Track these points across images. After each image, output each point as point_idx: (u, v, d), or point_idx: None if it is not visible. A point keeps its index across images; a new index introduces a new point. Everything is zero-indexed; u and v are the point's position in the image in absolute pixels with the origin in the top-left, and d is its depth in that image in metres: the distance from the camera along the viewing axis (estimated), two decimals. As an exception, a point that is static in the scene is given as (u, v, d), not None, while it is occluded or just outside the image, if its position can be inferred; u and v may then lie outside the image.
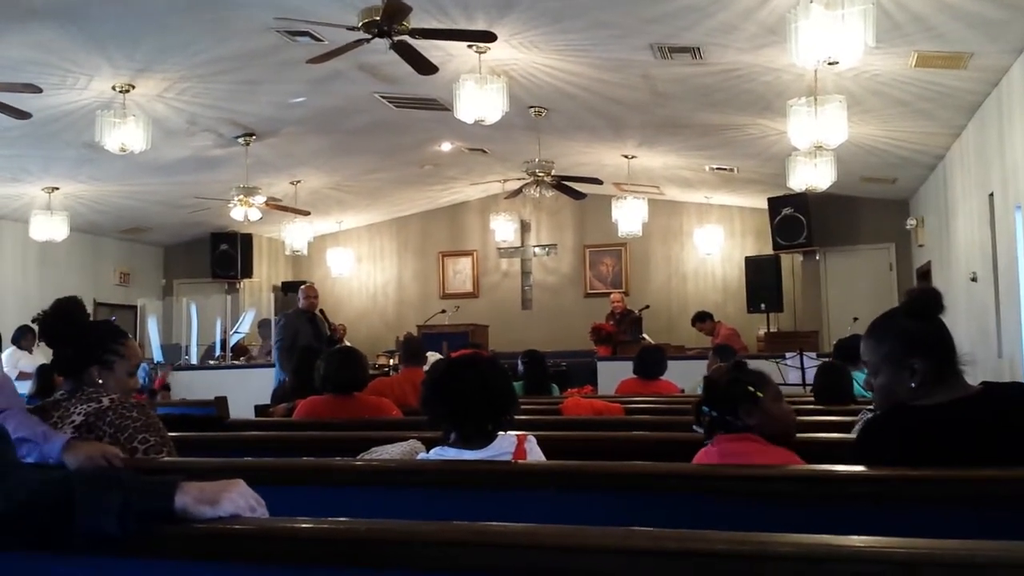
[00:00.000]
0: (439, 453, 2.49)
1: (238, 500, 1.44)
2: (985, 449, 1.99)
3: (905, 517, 1.91)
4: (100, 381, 2.75)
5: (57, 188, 10.23)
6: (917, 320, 2.16)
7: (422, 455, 2.54)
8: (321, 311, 9.01)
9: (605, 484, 2.20)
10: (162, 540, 1.37)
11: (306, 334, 8.30)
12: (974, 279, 8.03)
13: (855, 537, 1.18)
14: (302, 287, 9.09)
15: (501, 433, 2.52)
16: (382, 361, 12.02)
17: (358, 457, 2.60)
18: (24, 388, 6.48)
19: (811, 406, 4.42)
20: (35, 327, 2.81)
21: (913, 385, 2.11)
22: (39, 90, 6.71)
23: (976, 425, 2.03)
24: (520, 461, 2.44)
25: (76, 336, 2.79)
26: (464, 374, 2.50)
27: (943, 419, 2.05)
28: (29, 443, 2.43)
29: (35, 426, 2.49)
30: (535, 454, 2.52)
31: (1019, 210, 6.59)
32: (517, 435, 2.54)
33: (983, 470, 1.96)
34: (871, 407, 2.89)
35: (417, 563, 1.34)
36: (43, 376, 6.34)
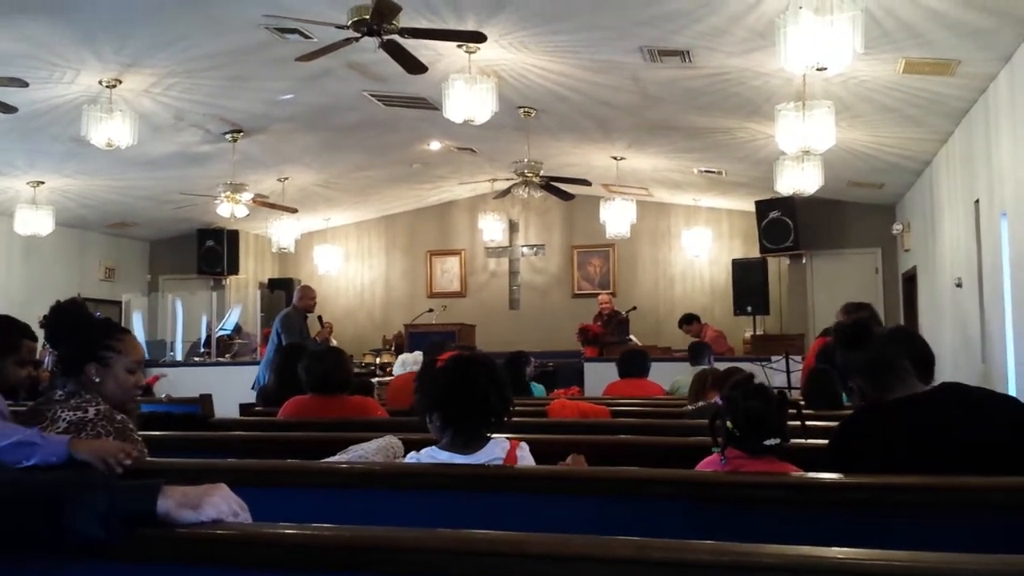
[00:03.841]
0: (431, 455, 2.46)
1: (220, 504, 1.44)
2: (932, 436, 2.25)
3: (897, 525, 1.93)
4: (97, 380, 2.69)
5: (43, 182, 10.15)
6: (849, 350, 2.60)
7: (412, 456, 2.52)
8: (320, 318, 9.15)
9: (592, 489, 2.20)
10: (144, 544, 1.37)
11: (300, 333, 8.33)
12: (959, 285, 8.07)
13: (836, 548, 1.19)
14: (301, 286, 9.09)
15: (495, 437, 2.51)
16: (368, 360, 12.02)
17: (336, 456, 2.59)
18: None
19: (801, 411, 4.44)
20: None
21: (860, 400, 2.59)
22: (25, 84, 6.67)
23: (926, 414, 2.32)
24: (508, 465, 2.43)
25: (72, 334, 2.76)
26: (477, 374, 2.48)
27: (896, 412, 2.36)
28: (29, 446, 2.38)
29: (24, 429, 2.45)
30: (527, 461, 2.51)
31: (1004, 217, 6.63)
32: (510, 440, 2.53)
33: (973, 479, 1.99)
34: None
35: (401, 569, 1.34)
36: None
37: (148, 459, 2.75)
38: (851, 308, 8.50)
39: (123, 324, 11.96)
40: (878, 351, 2.50)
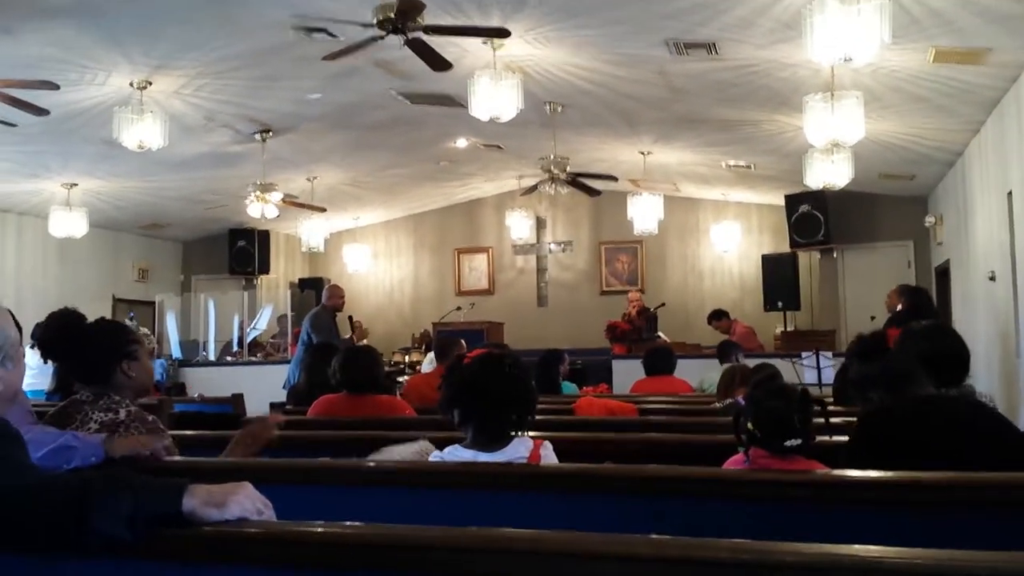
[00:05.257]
0: (454, 453, 2.47)
1: (245, 503, 1.46)
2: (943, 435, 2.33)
3: (927, 522, 1.90)
4: (133, 375, 2.76)
5: (76, 184, 10.29)
6: (865, 362, 2.65)
7: (435, 455, 2.53)
8: (350, 317, 9.21)
9: (616, 488, 2.19)
10: (170, 543, 1.39)
11: (330, 332, 8.39)
12: (992, 278, 7.95)
13: (858, 546, 1.18)
14: (329, 285, 9.13)
15: (518, 435, 2.51)
16: (398, 358, 12.07)
17: (368, 457, 2.61)
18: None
19: (832, 407, 4.39)
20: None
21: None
22: (56, 87, 6.76)
23: (922, 415, 2.40)
24: (532, 464, 2.43)
25: (89, 344, 2.77)
26: (497, 371, 2.48)
27: (899, 413, 2.45)
28: (68, 450, 2.40)
29: (60, 433, 2.48)
30: (550, 460, 2.51)
31: (1038, 208, 6.52)
32: (534, 440, 2.53)
33: (999, 475, 1.96)
34: None
35: (425, 568, 1.35)
36: (63, 371, 6.38)
37: (181, 458, 2.79)
38: (905, 290, 8.35)
39: (157, 324, 12.16)
40: (895, 359, 2.52)
